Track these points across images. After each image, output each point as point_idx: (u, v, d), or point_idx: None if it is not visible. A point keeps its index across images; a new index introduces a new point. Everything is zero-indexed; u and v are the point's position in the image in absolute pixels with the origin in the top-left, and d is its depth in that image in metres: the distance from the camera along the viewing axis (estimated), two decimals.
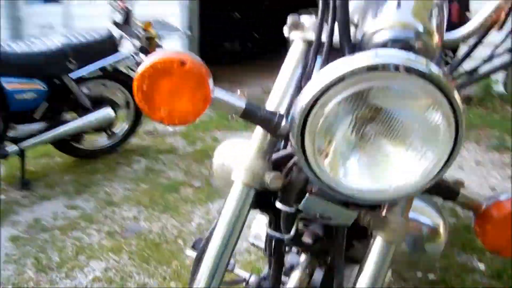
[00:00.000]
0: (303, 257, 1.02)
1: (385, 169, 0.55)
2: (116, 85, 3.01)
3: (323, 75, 0.52)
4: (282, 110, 0.68)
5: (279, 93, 0.70)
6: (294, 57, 0.69)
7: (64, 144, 2.83)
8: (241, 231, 0.67)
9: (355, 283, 0.65)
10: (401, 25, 0.59)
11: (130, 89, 3.05)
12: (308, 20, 0.69)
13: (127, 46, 2.94)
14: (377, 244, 0.63)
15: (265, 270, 1.50)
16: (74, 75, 2.69)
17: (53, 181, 2.68)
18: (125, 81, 3.01)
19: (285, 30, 0.73)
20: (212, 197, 2.50)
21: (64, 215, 2.30)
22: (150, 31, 2.92)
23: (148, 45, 2.91)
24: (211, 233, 0.71)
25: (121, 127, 3.13)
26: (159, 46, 2.98)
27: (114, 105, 2.95)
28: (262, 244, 1.26)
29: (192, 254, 1.22)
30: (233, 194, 0.66)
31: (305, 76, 0.67)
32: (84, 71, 2.72)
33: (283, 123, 0.63)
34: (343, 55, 0.61)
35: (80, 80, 2.74)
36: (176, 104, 0.59)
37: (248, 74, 6.10)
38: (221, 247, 0.65)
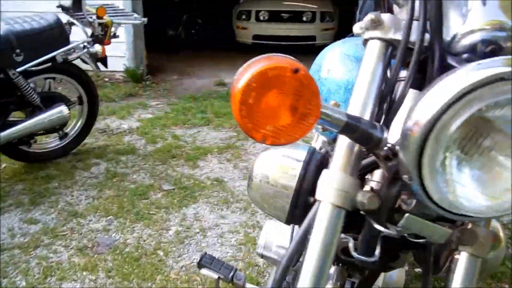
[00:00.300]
0: (332, 269, 0.99)
1: (501, 184, 0.52)
2: (67, 79, 2.72)
3: (445, 89, 0.48)
4: (366, 116, 0.62)
5: (360, 99, 0.62)
6: (372, 58, 0.62)
7: (11, 147, 2.52)
8: (333, 256, 0.60)
9: None
10: (491, 25, 0.57)
11: (82, 83, 2.78)
12: (388, 18, 0.63)
13: (78, 35, 2.65)
14: (464, 259, 0.61)
15: (269, 282, 1.46)
16: (21, 67, 2.37)
17: (3, 191, 2.38)
18: (77, 74, 2.73)
19: (357, 28, 0.66)
20: (186, 201, 2.38)
21: (22, 231, 2.05)
22: (104, 18, 2.64)
23: (102, 33, 2.65)
24: (289, 259, 0.63)
25: (74, 127, 2.86)
26: (115, 35, 2.73)
27: (66, 102, 2.68)
28: (272, 255, 1.21)
29: (208, 273, 1.15)
30: (322, 217, 0.58)
31: (391, 80, 0.62)
32: (31, 63, 2.40)
33: (384, 135, 0.57)
34: (432, 57, 0.57)
35: (26, 74, 2.42)
36: (284, 120, 0.51)
37: (197, 64, 5.91)
38: (316, 275, 0.58)
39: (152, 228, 2.12)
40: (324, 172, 0.61)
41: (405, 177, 0.52)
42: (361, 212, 0.61)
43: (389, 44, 0.61)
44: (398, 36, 0.60)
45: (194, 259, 1.91)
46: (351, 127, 0.54)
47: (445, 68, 0.56)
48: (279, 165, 0.78)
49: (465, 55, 0.57)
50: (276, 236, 1.23)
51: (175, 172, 2.73)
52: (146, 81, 4.89)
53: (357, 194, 0.58)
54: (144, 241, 2.03)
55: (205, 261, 1.22)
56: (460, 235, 0.59)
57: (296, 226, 1.24)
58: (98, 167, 2.75)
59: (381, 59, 0.61)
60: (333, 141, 0.96)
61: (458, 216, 0.53)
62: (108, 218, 2.19)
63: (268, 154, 0.81)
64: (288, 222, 0.80)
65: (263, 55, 0.52)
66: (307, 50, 6.71)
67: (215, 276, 1.13)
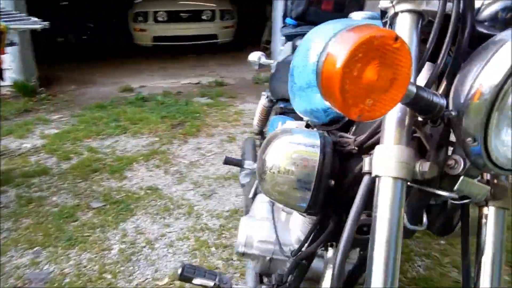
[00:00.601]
0: (330, 252, 0.98)
1: None
2: None
3: (504, 58, 0.49)
4: None
5: None
6: (406, 31, 0.61)
7: None
8: (402, 230, 0.58)
9: (478, 254, 0.64)
10: None
11: None
12: None
13: None
14: (493, 213, 0.63)
15: (248, 279, 1.40)
16: None
17: None
18: None
19: (385, 2, 0.63)
20: (122, 216, 2.18)
21: None
22: None
23: None
24: (347, 244, 0.60)
25: None
26: (12, 42, 2.38)
27: None
28: (255, 251, 1.16)
29: (203, 282, 1.08)
30: (386, 192, 0.56)
31: (426, 53, 0.61)
32: None
33: (445, 103, 0.56)
34: (463, 27, 0.58)
35: None
36: (381, 92, 0.48)
37: (97, 71, 5.48)
38: (391, 252, 0.55)
39: (91, 251, 1.90)
40: (379, 147, 0.59)
41: (468, 140, 0.53)
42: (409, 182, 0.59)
43: (420, 16, 0.60)
44: (431, 7, 0.60)
45: (148, 275, 1.76)
46: (419, 97, 0.53)
47: (475, 37, 0.57)
48: (293, 153, 0.74)
49: (486, 23, 0.59)
50: (256, 232, 1.18)
51: (101, 187, 2.49)
52: (41, 94, 4.39)
53: (415, 164, 0.57)
54: (85, 267, 1.80)
55: (188, 271, 1.13)
56: (493, 190, 0.62)
57: (293, 214, 1.19)
58: (5, 195, 2.37)
59: (415, 31, 0.60)
60: (323, 125, 0.93)
61: (506, 171, 0.55)
62: (35, 249, 1.90)
63: (276, 144, 0.76)
64: (309, 209, 0.76)
65: (354, 25, 0.48)
66: (210, 48, 6.70)
67: (211, 283, 1.05)
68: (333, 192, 0.75)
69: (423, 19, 0.60)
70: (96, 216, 2.18)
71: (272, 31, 5.73)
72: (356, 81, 0.47)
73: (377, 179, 0.57)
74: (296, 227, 1.14)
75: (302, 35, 1.83)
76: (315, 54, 0.83)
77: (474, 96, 0.51)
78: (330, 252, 0.98)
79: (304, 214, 1.00)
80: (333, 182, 0.74)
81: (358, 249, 1.06)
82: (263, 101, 1.96)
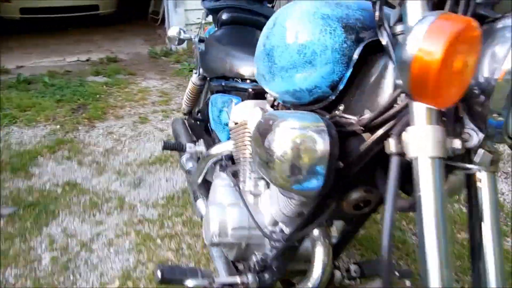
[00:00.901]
0: (316, 232, 1.02)
1: None
2: None
3: None
4: None
5: None
6: (416, 17, 0.61)
7: None
8: (447, 205, 0.62)
9: (478, 215, 0.69)
10: None
11: None
12: None
13: None
14: (486, 177, 0.68)
15: (220, 268, 1.37)
16: None
17: None
18: None
19: None
20: (42, 220, 1.92)
21: None
22: None
23: None
24: (391, 224, 0.61)
25: None
26: None
27: None
28: (230, 239, 1.14)
29: (197, 283, 1.04)
30: (426, 173, 0.59)
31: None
32: None
33: (473, 83, 0.58)
34: (466, 8, 0.61)
35: None
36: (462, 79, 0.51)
37: None
38: (441, 228, 0.58)
39: (17, 266, 1.65)
40: (411, 128, 0.60)
41: (494, 115, 0.58)
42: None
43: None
44: None
45: (93, 281, 1.60)
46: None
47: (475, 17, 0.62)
48: (300, 137, 0.73)
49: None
50: (229, 219, 1.15)
51: (5, 189, 2.14)
52: None
53: (446, 142, 0.60)
54: (14, 284, 1.56)
55: (169, 273, 1.07)
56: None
57: (261, 196, 1.17)
58: None
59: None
60: (303, 105, 0.92)
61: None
62: None
63: (281, 130, 0.74)
64: (321, 191, 0.76)
65: (437, 15, 0.48)
66: (92, 21, 6.06)
67: (206, 282, 1.00)
68: (340, 173, 0.77)
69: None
70: (10, 224, 1.88)
71: (163, 1, 5.40)
72: (450, 70, 0.48)
73: (414, 160, 0.60)
74: (273, 208, 1.13)
75: (227, 8, 1.78)
76: (294, 34, 0.81)
77: (501, 76, 0.55)
78: (316, 231, 1.01)
79: (292, 195, 1.01)
80: (341, 163, 0.75)
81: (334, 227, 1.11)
82: (193, 79, 1.88)
